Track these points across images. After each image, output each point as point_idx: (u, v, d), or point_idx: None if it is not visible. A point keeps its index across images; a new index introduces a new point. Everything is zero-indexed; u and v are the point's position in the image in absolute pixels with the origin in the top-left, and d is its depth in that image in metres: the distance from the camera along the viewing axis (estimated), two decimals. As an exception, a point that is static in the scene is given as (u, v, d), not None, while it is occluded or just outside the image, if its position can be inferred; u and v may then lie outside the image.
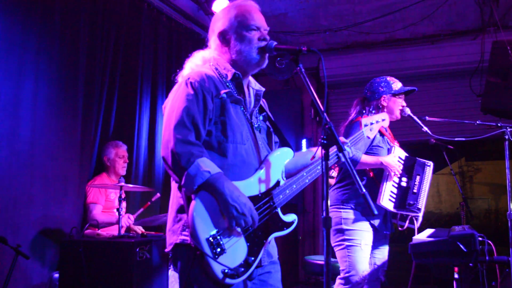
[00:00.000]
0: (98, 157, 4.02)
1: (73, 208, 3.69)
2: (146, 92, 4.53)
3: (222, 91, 1.89)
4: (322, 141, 1.76)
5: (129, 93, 4.38)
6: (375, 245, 3.19)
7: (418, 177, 3.22)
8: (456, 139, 3.45)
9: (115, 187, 3.59)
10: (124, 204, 3.37)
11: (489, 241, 2.88)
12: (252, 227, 1.82)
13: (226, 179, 1.77)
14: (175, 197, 1.90)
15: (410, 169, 3.22)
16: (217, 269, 1.72)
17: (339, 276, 3.13)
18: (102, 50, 4.01)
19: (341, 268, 3.13)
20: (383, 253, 3.29)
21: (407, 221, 3.23)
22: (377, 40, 5.85)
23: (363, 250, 3.07)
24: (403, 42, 5.78)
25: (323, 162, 1.72)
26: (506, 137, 3.12)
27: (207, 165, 1.75)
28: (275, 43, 1.96)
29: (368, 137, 2.40)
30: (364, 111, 3.23)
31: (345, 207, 3.13)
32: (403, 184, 3.19)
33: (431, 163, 3.32)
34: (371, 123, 2.40)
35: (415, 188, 3.16)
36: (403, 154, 3.26)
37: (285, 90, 6.35)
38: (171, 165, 1.77)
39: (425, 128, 3.29)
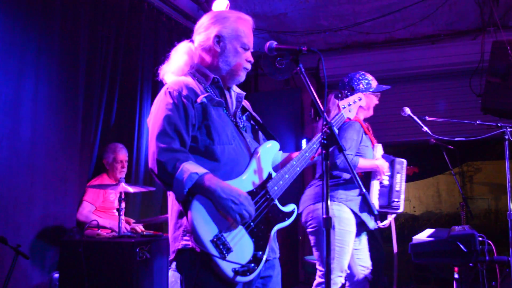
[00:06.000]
0: (100, 157, 4.01)
1: (73, 208, 3.68)
2: (146, 92, 4.53)
3: (201, 96, 1.90)
4: (322, 141, 1.76)
5: (129, 93, 4.37)
6: (356, 245, 3.17)
7: (398, 176, 3.22)
8: (456, 139, 3.45)
9: (114, 187, 3.58)
10: (123, 204, 3.37)
11: (489, 241, 2.89)
12: (251, 218, 1.81)
13: (215, 178, 1.78)
14: (174, 204, 1.90)
15: (391, 167, 3.22)
16: (227, 268, 1.72)
17: (318, 275, 3.07)
18: (102, 50, 4.01)
19: (320, 268, 3.07)
20: (365, 252, 3.28)
21: (388, 218, 3.24)
22: (377, 40, 5.84)
23: (348, 252, 3.04)
24: (403, 42, 5.77)
25: (324, 162, 1.72)
26: (506, 137, 3.12)
27: (194, 168, 1.76)
28: (275, 43, 1.96)
29: (349, 118, 2.43)
30: (340, 94, 3.24)
31: (337, 203, 3.04)
32: (386, 182, 3.19)
33: (405, 161, 3.32)
34: (349, 104, 2.42)
35: (397, 186, 3.17)
36: (380, 152, 3.27)
37: (285, 90, 6.34)
38: (159, 174, 1.79)
39: (425, 128, 3.29)
